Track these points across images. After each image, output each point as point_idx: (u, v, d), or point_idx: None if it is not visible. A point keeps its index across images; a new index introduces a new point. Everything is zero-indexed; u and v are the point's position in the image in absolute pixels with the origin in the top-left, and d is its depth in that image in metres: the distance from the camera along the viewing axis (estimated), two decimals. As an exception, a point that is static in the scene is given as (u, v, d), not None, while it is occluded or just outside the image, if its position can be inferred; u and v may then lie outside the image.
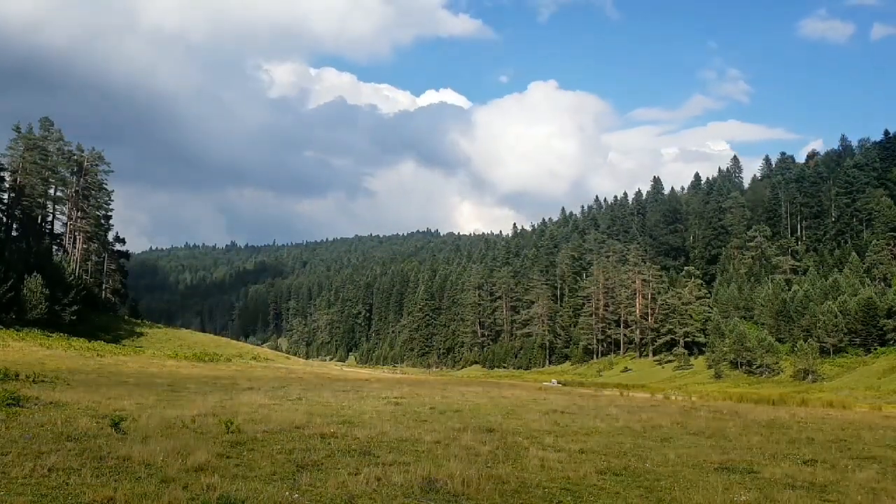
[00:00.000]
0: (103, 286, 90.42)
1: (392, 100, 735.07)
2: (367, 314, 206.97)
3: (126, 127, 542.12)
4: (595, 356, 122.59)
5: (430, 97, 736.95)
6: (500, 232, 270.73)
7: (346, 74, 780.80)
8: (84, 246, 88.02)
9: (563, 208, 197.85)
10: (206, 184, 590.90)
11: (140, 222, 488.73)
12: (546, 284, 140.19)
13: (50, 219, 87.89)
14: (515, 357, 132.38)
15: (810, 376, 76.40)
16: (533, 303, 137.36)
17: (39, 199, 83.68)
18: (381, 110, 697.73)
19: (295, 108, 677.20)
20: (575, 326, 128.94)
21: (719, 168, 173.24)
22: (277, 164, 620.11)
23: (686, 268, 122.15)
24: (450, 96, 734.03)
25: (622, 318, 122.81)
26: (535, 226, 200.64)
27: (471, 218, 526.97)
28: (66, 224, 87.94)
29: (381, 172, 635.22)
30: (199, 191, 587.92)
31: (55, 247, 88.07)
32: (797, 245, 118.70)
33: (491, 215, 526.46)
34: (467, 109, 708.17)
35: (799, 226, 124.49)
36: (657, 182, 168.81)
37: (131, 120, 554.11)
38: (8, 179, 79.55)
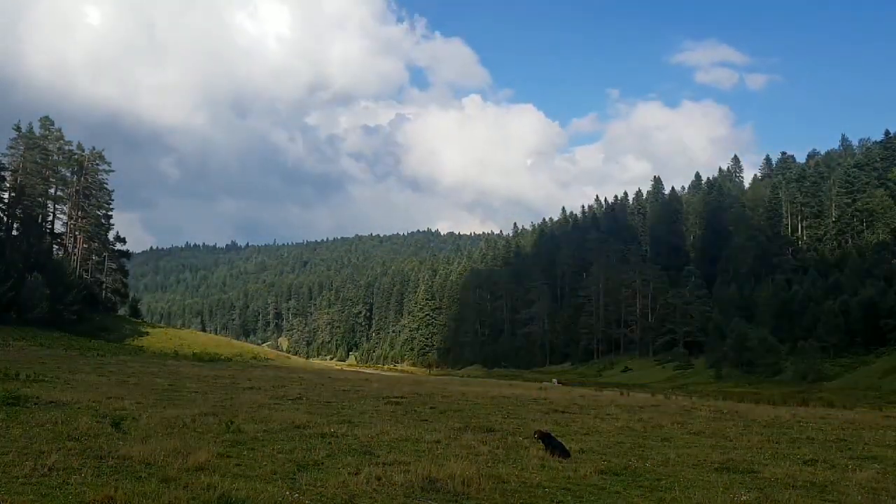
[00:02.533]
0: (104, 286, 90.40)
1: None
2: (368, 314, 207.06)
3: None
4: (595, 356, 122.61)
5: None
6: (501, 231, 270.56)
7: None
8: (84, 245, 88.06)
9: (563, 208, 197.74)
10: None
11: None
12: (546, 284, 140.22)
13: (50, 218, 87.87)
14: (515, 357, 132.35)
15: (811, 376, 76.31)
16: (533, 302, 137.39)
17: (40, 199, 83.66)
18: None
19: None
20: (575, 326, 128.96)
21: (720, 168, 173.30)
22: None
23: (686, 267, 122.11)
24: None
25: (622, 318, 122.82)
26: (536, 225, 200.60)
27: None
28: (67, 224, 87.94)
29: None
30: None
31: (55, 246, 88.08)
32: (798, 245, 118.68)
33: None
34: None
35: (799, 225, 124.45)
36: (657, 182, 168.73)
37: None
38: (8, 179, 79.54)
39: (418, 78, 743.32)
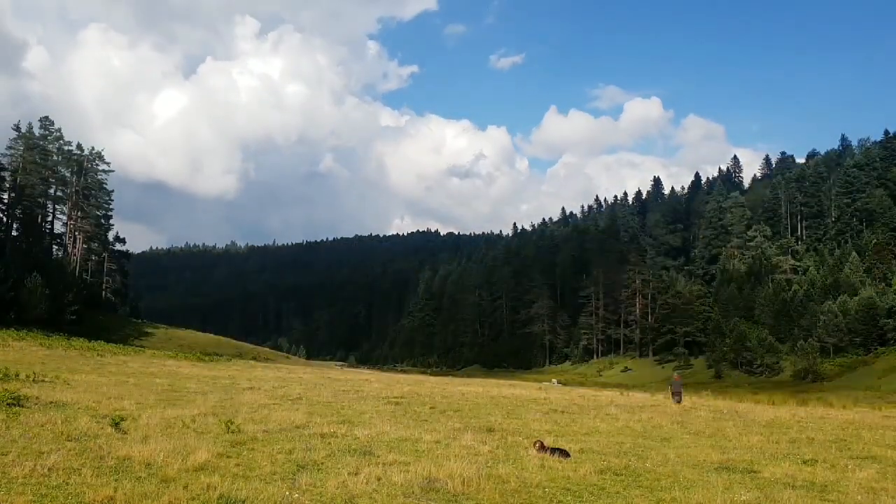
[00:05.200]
0: (104, 286, 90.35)
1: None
2: (367, 314, 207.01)
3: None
4: (595, 356, 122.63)
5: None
6: (501, 231, 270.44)
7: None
8: (84, 246, 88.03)
9: (563, 208, 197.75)
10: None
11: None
12: (546, 284, 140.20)
13: (50, 219, 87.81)
14: (515, 357, 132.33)
15: (810, 376, 76.42)
16: (533, 302, 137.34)
17: (39, 199, 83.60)
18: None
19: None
20: (575, 326, 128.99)
21: (719, 168, 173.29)
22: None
23: (686, 267, 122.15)
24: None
25: (622, 318, 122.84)
26: (536, 225, 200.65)
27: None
28: (67, 224, 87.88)
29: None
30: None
31: (55, 247, 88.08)
32: (797, 245, 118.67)
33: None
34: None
35: (799, 225, 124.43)
36: (657, 182, 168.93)
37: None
38: (8, 179, 79.49)
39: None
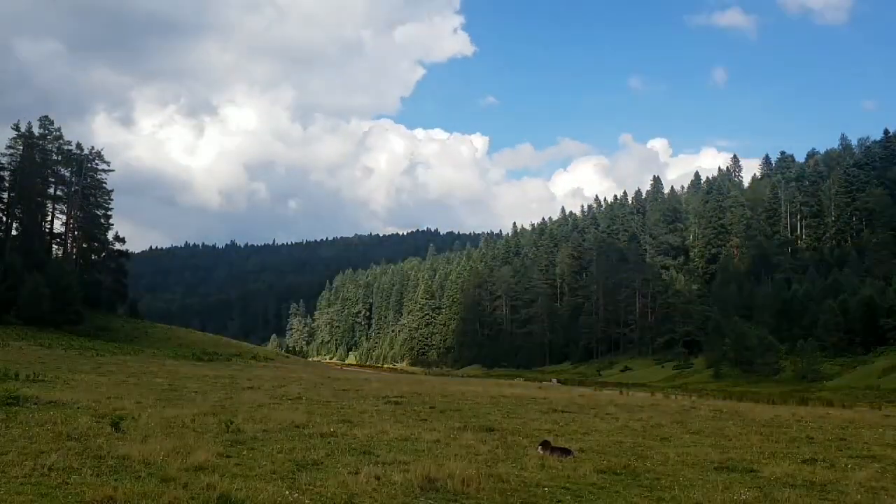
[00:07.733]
0: (103, 286, 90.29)
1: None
2: (367, 313, 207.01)
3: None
4: (595, 355, 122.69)
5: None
6: (501, 231, 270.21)
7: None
8: (84, 245, 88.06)
9: (562, 207, 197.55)
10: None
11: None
12: (546, 284, 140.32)
13: (50, 218, 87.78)
14: (515, 356, 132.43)
15: (810, 375, 76.39)
16: (533, 302, 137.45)
17: (39, 199, 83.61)
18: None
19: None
20: (575, 326, 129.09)
21: (719, 167, 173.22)
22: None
23: (685, 267, 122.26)
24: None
25: (622, 318, 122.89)
26: (535, 225, 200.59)
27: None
28: (66, 223, 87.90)
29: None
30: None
31: (55, 246, 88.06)
32: (797, 244, 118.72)
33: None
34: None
35: (799, 225, 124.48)
36: (657, 181, 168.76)
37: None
38: (8, 179, 79.48)
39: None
